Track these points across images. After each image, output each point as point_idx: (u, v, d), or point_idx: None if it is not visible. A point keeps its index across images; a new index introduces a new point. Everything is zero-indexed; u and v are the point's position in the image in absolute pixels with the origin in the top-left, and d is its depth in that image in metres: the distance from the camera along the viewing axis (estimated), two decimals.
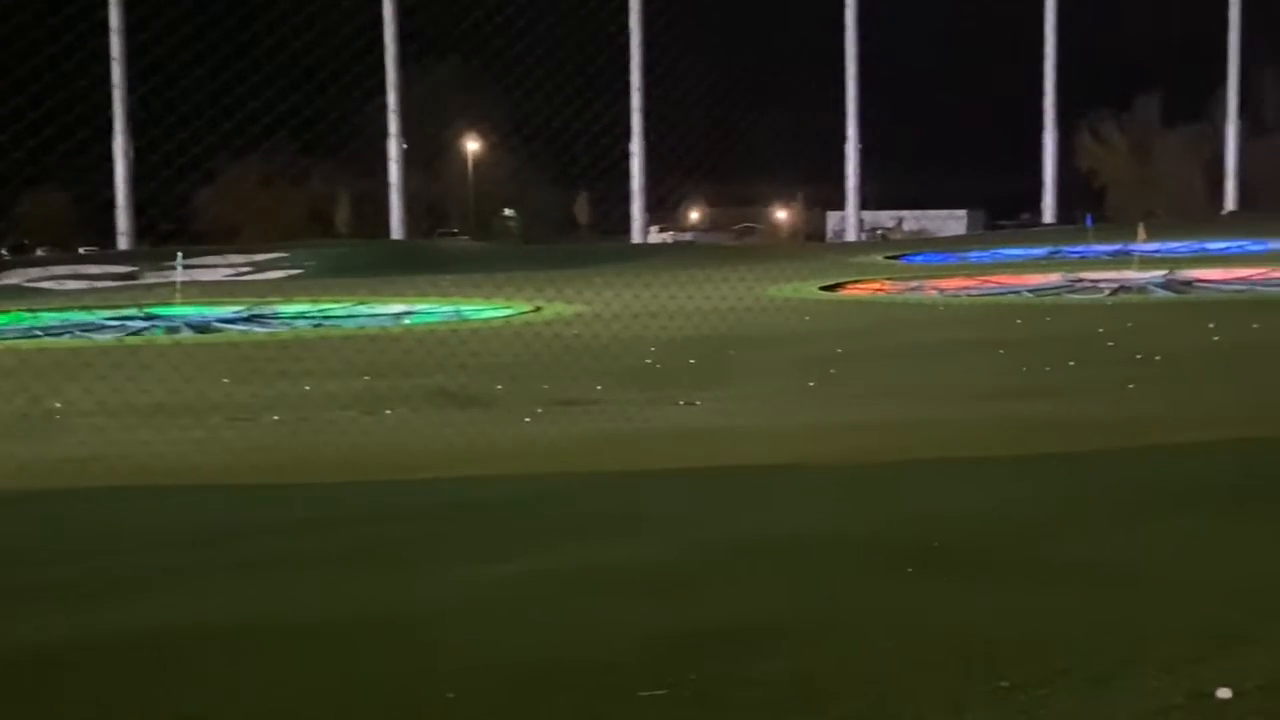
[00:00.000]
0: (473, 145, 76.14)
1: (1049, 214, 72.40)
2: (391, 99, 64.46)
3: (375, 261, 46.57)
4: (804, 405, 14.10)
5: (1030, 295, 29.00)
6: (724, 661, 5.00)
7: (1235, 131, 72.93)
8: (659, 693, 4.67)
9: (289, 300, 33.42)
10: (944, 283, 33.43)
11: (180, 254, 33.96)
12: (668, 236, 77.67)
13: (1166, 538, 6.88)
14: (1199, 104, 77.77)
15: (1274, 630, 5.11)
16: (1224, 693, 4.48)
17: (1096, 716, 4.37)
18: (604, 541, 7.31)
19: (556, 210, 76.63)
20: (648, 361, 18.15)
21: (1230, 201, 72.09)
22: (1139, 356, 16.22)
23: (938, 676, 4.76)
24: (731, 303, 23.00)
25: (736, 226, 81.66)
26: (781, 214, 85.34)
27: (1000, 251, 46.70)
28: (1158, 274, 30.84)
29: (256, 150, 63.26)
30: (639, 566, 6.68)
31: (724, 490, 9.04)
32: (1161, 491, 8.17)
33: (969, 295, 30.07)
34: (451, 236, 70.28)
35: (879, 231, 78.79)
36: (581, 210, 78.82)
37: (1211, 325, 19.51)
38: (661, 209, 79.10)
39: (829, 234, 79.66)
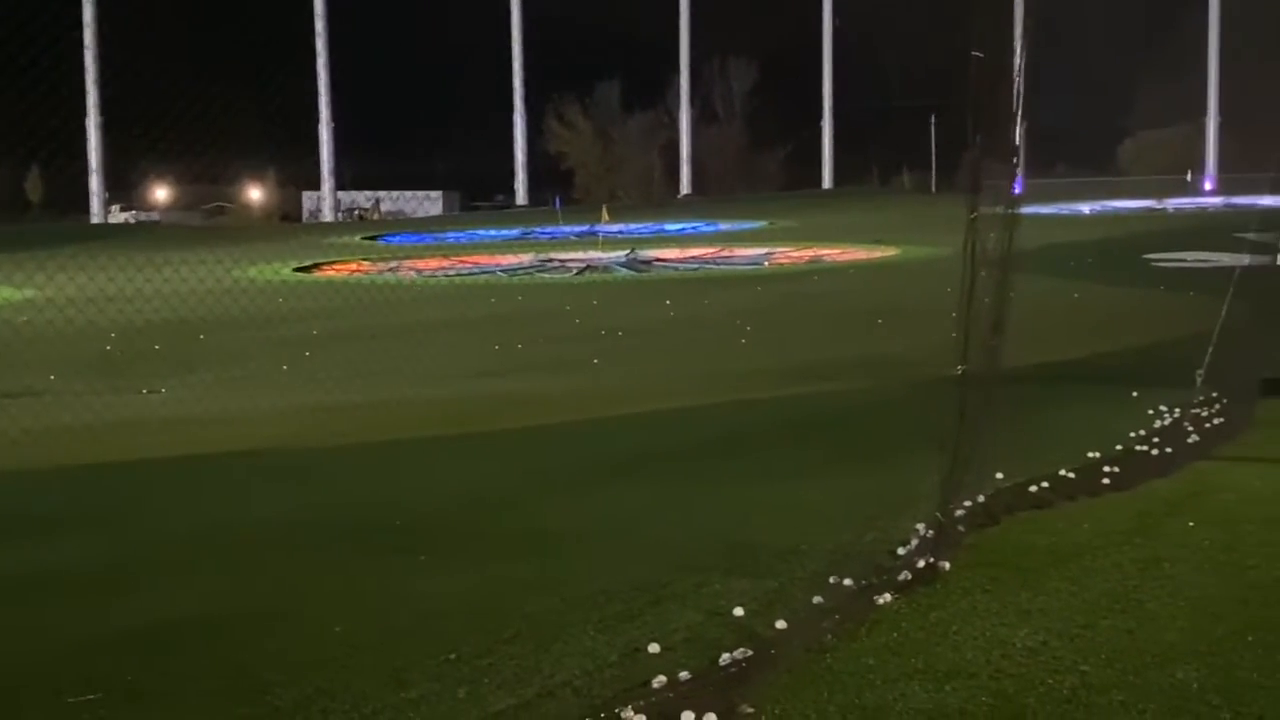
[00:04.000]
0: None
1: (521, 196, 74.65)
2: None
3: None
4: (276, 389, 13.77)
5: (504, 275, 29.77)
6: (165, 659, 4.81)
7: (687, 120, 78.23)
8: (91, 697, 4.42)
9: None
10: (421, 263, 33.68)
11: None
12: (130, 216, 73.37)
13: (613, 503, 7.28)
14: (655, 92, 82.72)
15: (697, 585, 5.53)
16: (654, 647, 4.80)
17: (536, 678, 4.56)
18: (38, 543, 6.82)
19: (4, 187, 70.43)
20: (107, 349, 17.13)
21: (685, 185, 77.28)
22: (603, 332, 17.05)
23: (385, 655, 4.80)
24: (202, 285, 22.03)
25: (207, 206, 78.30)
26: (255, 193, 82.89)
27: (476, 233, 47.59)
28: (620, 254, 32.46)
29: None
30: (79, 567, 6.30)
31: (181, 481, 8.67)
32: (614, 460, 8.64)
33: (445, 276, 30.46)
34: None
35: (356, 212, 78.16)
36: (34, 187, 72.92)
37: (668, 302, 20.80)
38: (124, 187, 74.70)
39: (305, 214, 78.25)
